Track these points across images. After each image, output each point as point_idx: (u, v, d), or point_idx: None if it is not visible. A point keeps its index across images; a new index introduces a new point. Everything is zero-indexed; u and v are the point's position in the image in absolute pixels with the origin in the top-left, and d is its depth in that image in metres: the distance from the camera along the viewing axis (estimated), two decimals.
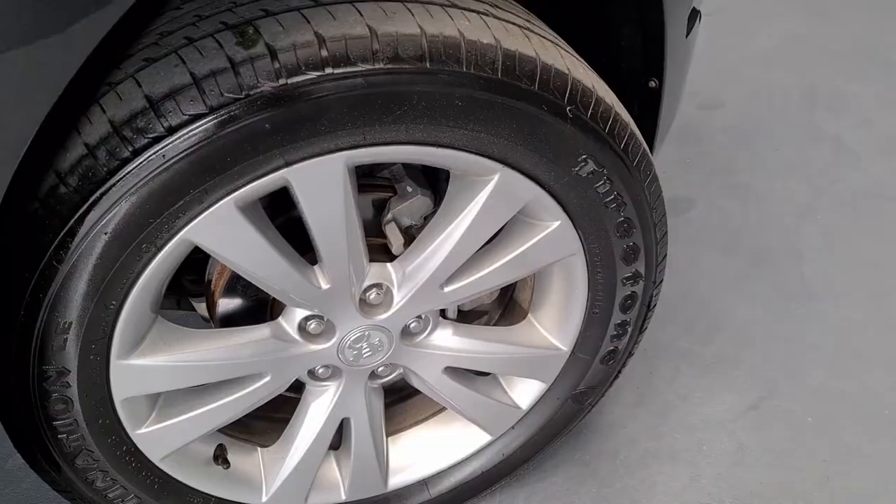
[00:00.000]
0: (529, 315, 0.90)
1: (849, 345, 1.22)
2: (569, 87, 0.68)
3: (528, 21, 0.71)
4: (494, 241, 0.78)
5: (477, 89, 0.63)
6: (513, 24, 0.68)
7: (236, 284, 0.78)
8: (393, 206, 0.78)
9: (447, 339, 0.84)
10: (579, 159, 0.71)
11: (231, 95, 0.58)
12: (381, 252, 0.77)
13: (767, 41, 1.87)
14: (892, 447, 1.08)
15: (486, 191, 0.71)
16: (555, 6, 0.87)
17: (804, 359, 1.20)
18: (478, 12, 0.66)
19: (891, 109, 1.69)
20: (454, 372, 0.88)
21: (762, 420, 1.12)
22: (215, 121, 0.58)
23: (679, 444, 1.09)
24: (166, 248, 0.63)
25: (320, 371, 0.82)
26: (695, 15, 0.97)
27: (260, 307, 0.80)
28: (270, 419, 0.91)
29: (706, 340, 1.22)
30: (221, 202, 0.62)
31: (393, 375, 0.87)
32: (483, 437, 0.95)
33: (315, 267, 0.73)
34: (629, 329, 0.89)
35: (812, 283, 1.31)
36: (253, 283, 0.71)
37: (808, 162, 1.56)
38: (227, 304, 0.80)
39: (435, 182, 0.81)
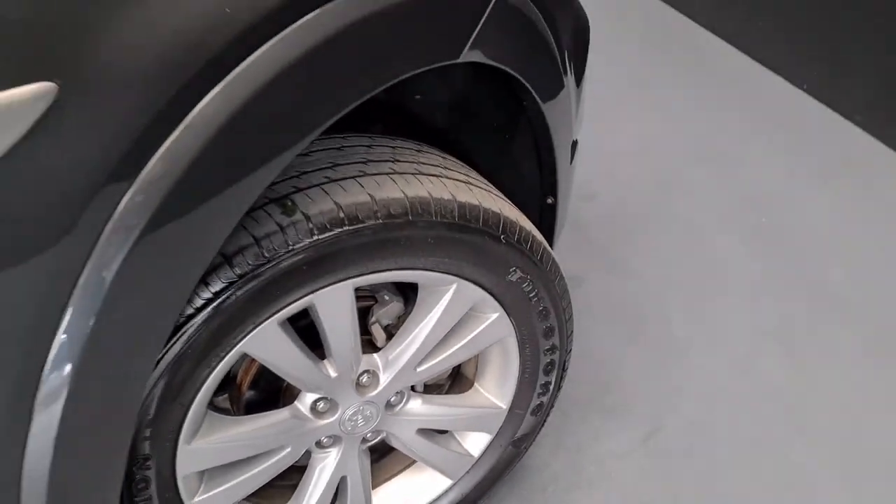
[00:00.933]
0: (475, 383, 1.18)
1: (713, 385, 1.56)
2: (501, 222, 0.98)
3: (468, 176, 1.01)
4: (451, 331, 1.06)
5: (442, 230, 0.92)
6: (460, 181, 0.98)
7: (258, 379, 1.03)
8: (376, 311, 1.04)
9: (418, 407, 1.11)
10: (510, 270, 1.01)
11: (280, 249, 0.84)
12: (368, 346, 1.04)
13: (629, 140, 2.27)
14: (753, 462, 1.42)
15: (446, 297, 0.99)
16: (473, 152, 1.18)
17: (680, 399, 1.53)
18: (437, 175, 0.96)
19: (726, 189, 2.11)
20: (422, 431, 1.14)
21: (655, 449, 1.43)
22: (270, 267, 0.84)
23: (593, 475, 1.38)
24: (226, 359, 0.87)
25: (325, 440, 1.06)
26: (575, 145, 1.31)
27: (274, 395, 1.04)
28: (277, 486, 1.14)
29: (605, 391, 1.54)
30: (267, 322, 0.87)
31: (378, 438, 1.12)
32: (446, 482, 1.21)
33: (324, 360, 0.98)
34: (551, 387, 1.19)
35: (681, 341, 1.67)
36: (284, 378, 0.96)
37: (669, 240, 1.94)
38: (250, 395, 1.04)
39: (403, 289, 1.09)
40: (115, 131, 0.62)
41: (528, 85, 1.00)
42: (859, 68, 2.37)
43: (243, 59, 0.66)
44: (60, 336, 0.65)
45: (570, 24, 1.08)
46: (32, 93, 0.57)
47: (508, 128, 1.15)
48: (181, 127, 0.64)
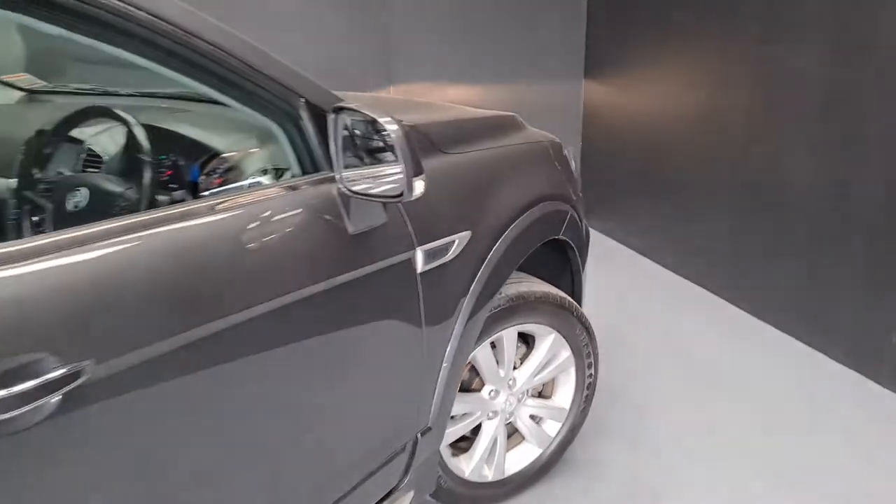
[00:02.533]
0: (554, 394, 2.38)
1: None
2: (570, 304, 2.25)
3: (551, 285, 2.29)
4: (547, 361, 2.27)
5: (553, 307, 2.18)
6: (552, 287, 2.25)
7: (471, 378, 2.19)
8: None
9: (530, 402, 2.29)
10: (576, 327, 2.26)
11: (498, 304, 2.06)
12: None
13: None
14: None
15: (549, 340, 2.23)
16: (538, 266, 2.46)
17: None
18: (543, 283, 2.23)
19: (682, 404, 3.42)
20: (530, 417, 2.31)
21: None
22: (490, 315, 2.06)
23: None
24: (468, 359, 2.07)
25: (490, 414, 2.22)
26: (585, 260, 2.60)
27: (466, 387, 2.20)
28: (464, 442, 2.26)
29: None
30: (481, 344, 2.08)
31: (511, 419, 2.28)
32: (537, 451, 2.35)
33: (499, 368, 2.17)
34: (587, 396, 2.39)
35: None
36: (482, 374, 2.14)
37: (616, 450, 3.20)
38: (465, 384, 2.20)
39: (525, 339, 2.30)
40: (477, 261, 1.87)
41: (574, 246, 2.33)
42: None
43: (508, 226, 1.95)
44: (450, 351, 1.84)
45: (586, 227, 2.44)
46: (459, 236, 1.83)
47: (562, 266, 2.46)
48: (485, 262, 1.90)
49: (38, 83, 2.37)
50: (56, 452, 1.03)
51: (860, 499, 2.33)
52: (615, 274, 4.20)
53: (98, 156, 1.83)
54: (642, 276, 4.23)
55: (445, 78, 4.36)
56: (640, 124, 4.43)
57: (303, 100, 1.47)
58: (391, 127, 1.34)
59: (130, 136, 1.61)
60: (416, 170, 1.35)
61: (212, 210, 1.28)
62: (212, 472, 1.30)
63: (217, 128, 1.78)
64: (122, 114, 1.64)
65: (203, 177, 1.60)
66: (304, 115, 1.48)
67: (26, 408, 0.98)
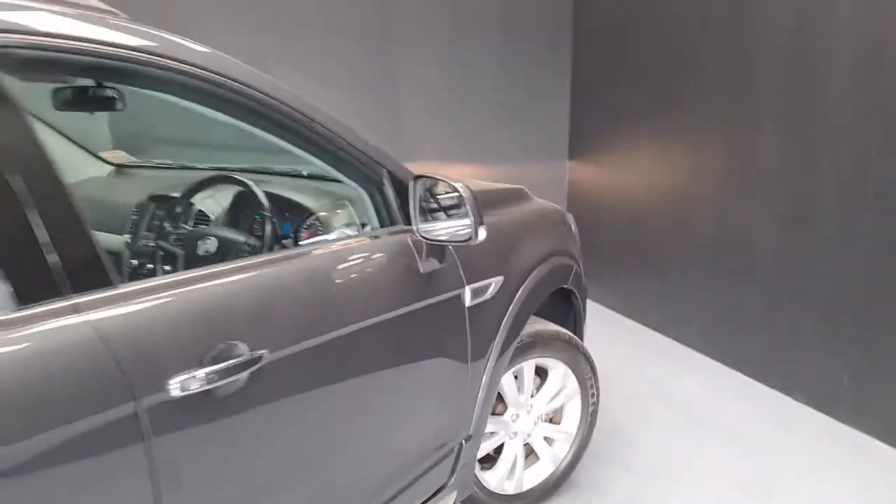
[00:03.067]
0: (562, 419, 2.80)
1: None
2: (575, 342, 2.70)
3: (557, 326, 2.75)
4: (558, 392, 2.71)
5: (564, 343, 2.63)
6: (560, 328, 2.71)
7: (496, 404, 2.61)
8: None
9: (544, 426, 2.71)
10: (582, 361, 2.71)
11: (521, 339, 2.51)
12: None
13: None
14: None
15: (560, 371, 2.67)
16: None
17: None
18: (555, 325, 2.69)
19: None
20: (544, 439, 2.72)
21: None
22: (516, 345, 2.50)
23: None
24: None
25: (511, 434, 2.63)
26: (585, 307, 3.07)
27: (495, 411, 2.62)
28: (490, 459, 2.66)
29: None
30: (506, 373, 2.52)
31: (528, 439, 2.69)
32: (550, 468, 2.75)
33: (520, 395, 2.60)
34: (590, 421, 2.81)
35: None
36: (506, 399, 2.56)
37: (617, 479, 3.63)
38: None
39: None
40: (508, 301, 2.33)
41: (576, 293, 2.80)
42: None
43: (530, 274, 2.42)
44: (487, 372, 2.27)
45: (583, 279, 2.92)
46: (495, 279, 2.28)
47: (565, 311, 2.92)
48: (513, 302, 2.36)
49: (131, 159, 2.82)
50: (244, 413, 1.45)
51: (816, 499, 2.77)
52: (598, 331, 4.66)
53: (205, 214, 2.29)
54: (624, 333, 4.70)
55: (449, 157, 4.90)
56: (618, 198, 4.98)
57: (385, 170, 1.95)
58: (463, 189, 1.82)
59: (250, 197, 2.07)
60: (480, 220, 1.82)
61: (315, 252, 1.72)
62: (318, 449, 1.70)
63: (303, 193, 2.25)
64: (246, 181, 2.10)
65: (303, 229, 2.06)
66: (386, 182, 1.95)
67: (228, 379, 1.39)
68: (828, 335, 3.47)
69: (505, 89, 5.08)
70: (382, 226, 1.98)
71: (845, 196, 3.31)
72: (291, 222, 2.19)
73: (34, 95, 1.40)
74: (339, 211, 2.10)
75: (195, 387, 1.32)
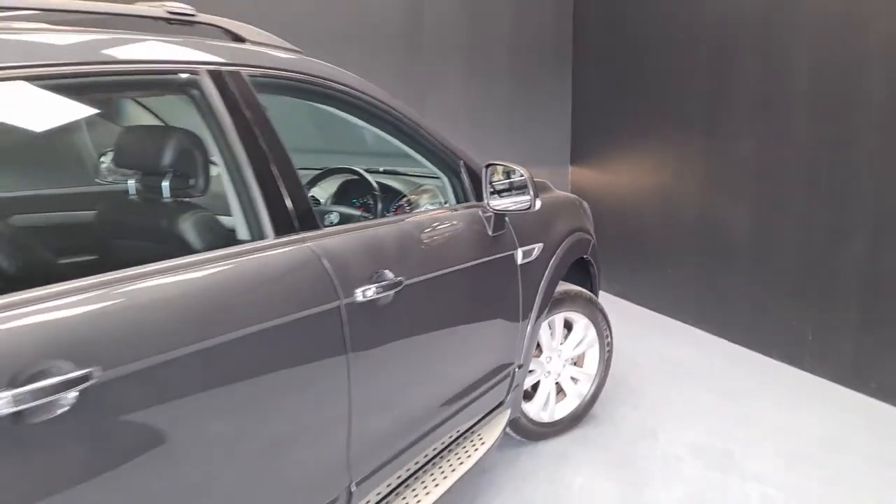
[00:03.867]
0: (585, 363, 3.51)
1: None
2: (593, 300, 3.43)
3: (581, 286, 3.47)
4: (581, 340, 3.43)
5: (585, 300, 3.36)
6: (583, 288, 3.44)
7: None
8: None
9: (571, 368, 3.43)
10: (599, 314, 3.43)
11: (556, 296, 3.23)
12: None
13: None
14: None
15: (582, 323, 3.39)
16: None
17: None
18: (578, 286, 3.42)
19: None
20: (571, 378, 3.44)
21: None
22: (552, 299, 3.22)
23: None
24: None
25: (546, 374, 3.34)
26: (600, 275, 3.81)
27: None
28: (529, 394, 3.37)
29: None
30: (542, 323, 3.24)
31: (559, 377, 3.41)
32: (575, 402, 3.46)
33: (553, 342, 3.31)
34: (607, 364, 3.53)
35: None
36: (541, 344, 3.27)
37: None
38: None
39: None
40: (546, 263, 3.06)
41: (593, 262, 3.53)
42: None
43: (561, 244, 3.15)
44: (533, 316, 2.99)
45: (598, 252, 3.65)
46: (537, 245, 3.01)
47: (583, 278, 3.65)
48: (550, 264, 3.09)
49: None
50: (394, 316, 2.15)
51: (786, 424, 3.49)
52: None
53: (317, 198, 3.01)
54: (626, 315, 5.43)
55: None
56: (615, 198, 5.73)
57: (462, 161, 2.67)
58: (524, 171, 2.55)
59: (357, 183, 2.79)
60: (536, 194, 2.55)
61: (411, 219, 2.44)
62: (419, 366, 2.40)
63: (397, 181, 2.98)
64: (360, 170, 2.83)
65: (395, 206, 2.79)
66: (463, 170, 2.68)
67: (385, 293, 2.10)
68: (796, 303, 4.22)
69: (514, 107, 5.85)
70: (459, 203, 2.70)
71: (804, 194, 4.07)
72: (384, 203, 2.92)
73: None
74: (425, 193, 2.82)
75: (370, 294, 2.02)
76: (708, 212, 4.80)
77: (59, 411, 1.29)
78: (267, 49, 2.09)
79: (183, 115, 1.95)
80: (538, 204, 2.57)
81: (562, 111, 6.10)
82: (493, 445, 2.77)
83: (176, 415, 1.48)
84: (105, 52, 1.65)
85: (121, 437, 1.39)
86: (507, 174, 2.63)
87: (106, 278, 1.45)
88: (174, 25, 1.93)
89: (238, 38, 2.07)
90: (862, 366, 3.90)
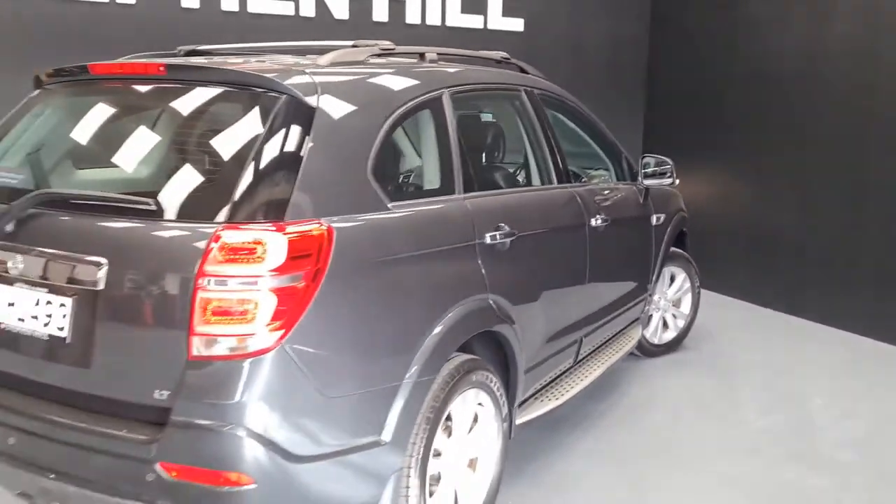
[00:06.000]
0: (681, 305, 4.95)
1: None
2: (692, 262, 4.88)
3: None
4: (681, 290, 4.87)
5: (684, 259, 4.81)
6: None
7: None
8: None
9: (672, 308, 4.87)
10: (693, 271, 4.88)
11: None
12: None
13: None
14: None
15: (682, 276, 4.84)
16: None
17: None
18: None
19: None
20: (673, 316, 4.88)
21: None
22: None
23: None
24: None
25: (657, 309, 4.77)
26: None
27: None
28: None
29: None
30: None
31: (665, 312, 4.84)
32: (674, 333, 4.90)
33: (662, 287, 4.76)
34: (697, 299, 4.97)
35: None
36: None
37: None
38: None
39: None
40: (665, 229, 4.53)
41: (686, 234, 5.00)
42: None
43: (673, 218, 4.62)
44: (658, 263, 4.47)
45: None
46: (661, 215, 4.47)
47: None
48: (668, 230, 4.56)
49: None
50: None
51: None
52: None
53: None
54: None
55: None
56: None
57: (623, 154, 4.16)
58: (670, 161, 4.04)
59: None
60: (675, 174, 4.04)
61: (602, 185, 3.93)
62: (612, 273, 3.85)
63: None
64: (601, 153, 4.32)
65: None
66: (623, 159, 4.16)
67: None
68: (886, 281, 5.65)
69: None
70: (620, 180, 4.16)
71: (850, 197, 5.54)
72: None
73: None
74: (601, 174, 4.27)
75: (596, 223, 3.49)
76: (784, 215, 6.24)
77: (506, 244, 2.75)
78: (537, 77, 3.57)
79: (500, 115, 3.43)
80: (677, 181, 4.05)
81: (635, 134, 7.54)
82: (634, 344, 4.21)
83: (552, 256, 3.00)
84: (486, 78, 3.15)
85: (525, 260, 2.88)
86: (655, 163, 4.10)
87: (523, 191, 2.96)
88: (501, 64, 3.42)
89: (524, 71, 3.55)
90: None
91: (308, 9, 6.00)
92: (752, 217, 6.36)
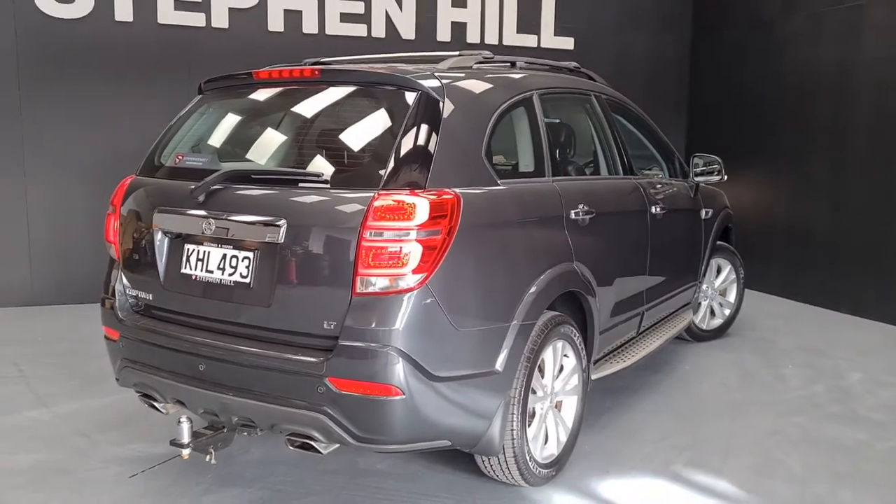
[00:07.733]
0: (727, 294, 5.41)
1: None
2: (738, 255, 5.35)
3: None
4: (727, 279, 5.34)
5: (730, 252, 5.29)
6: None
7: None
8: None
9: (719, 297, 5.33)
10: (738, 263, 5.35)
11: None
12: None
13: None
14: None
15: (728, 268, 5.31)
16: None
17: None
18: None
19: None
20: (719, 304, 5.34)
21: None
22: None
23: None
24: None
25: (706, 297, 5.24)
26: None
27: None
28: None
29: None
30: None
31: (712, 301, 5.30)
32: (720, 321, 5.36)
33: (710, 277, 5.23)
34: (742, 289, 5.42)
35: None
36: None
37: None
38: None
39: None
40: (712, 222, 5.02)
41: (732, 229, 5.47)
42: None
43: (719, 214, 5.11)
44: (706, 255, 4.96)
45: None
46: (708, 209, 4.96)
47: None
48: (715, 224, 5.04)
49: None
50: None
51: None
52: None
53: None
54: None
55: None
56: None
57: (675, 153, 4.67)
58: (719, 159, 4.54)
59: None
60: (723, 171, 4.53)
61: (657, 180, 4.44)
62: (671, 255, 4.34)
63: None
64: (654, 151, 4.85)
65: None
66: (675, 158, 4.66)
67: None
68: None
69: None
70: (672, 177, 4.66)
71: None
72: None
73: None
74: (654, 172, 4.78)
75: (656, 211, 3.99)
76: (819, 214, 6.69)
77: (586, 221, 3.28)
78: (603, 84, 4.10)
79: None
80: (725, 178, 4.55)
81: (677, 113, 7.97)
82: (686, 324, 4.68)
83: (621, 235, 3.53)
84: (564, 83, 3.69)
85: (601, 236, 3.41)
86: (704, 162, 4.60)
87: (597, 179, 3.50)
88: (573, 73, 3.96)
89: (592, 79, 4.08)
90: None
91: (379, 30, 6.61)
92: (788, 220, 6.80)
